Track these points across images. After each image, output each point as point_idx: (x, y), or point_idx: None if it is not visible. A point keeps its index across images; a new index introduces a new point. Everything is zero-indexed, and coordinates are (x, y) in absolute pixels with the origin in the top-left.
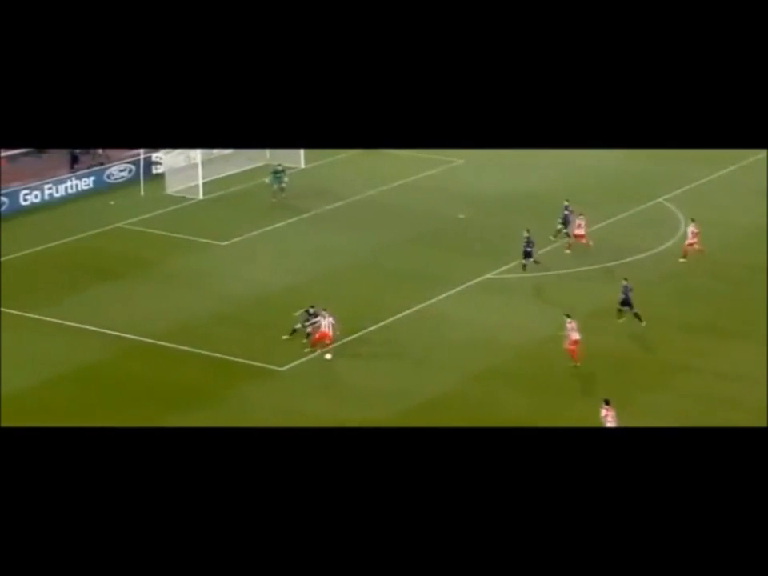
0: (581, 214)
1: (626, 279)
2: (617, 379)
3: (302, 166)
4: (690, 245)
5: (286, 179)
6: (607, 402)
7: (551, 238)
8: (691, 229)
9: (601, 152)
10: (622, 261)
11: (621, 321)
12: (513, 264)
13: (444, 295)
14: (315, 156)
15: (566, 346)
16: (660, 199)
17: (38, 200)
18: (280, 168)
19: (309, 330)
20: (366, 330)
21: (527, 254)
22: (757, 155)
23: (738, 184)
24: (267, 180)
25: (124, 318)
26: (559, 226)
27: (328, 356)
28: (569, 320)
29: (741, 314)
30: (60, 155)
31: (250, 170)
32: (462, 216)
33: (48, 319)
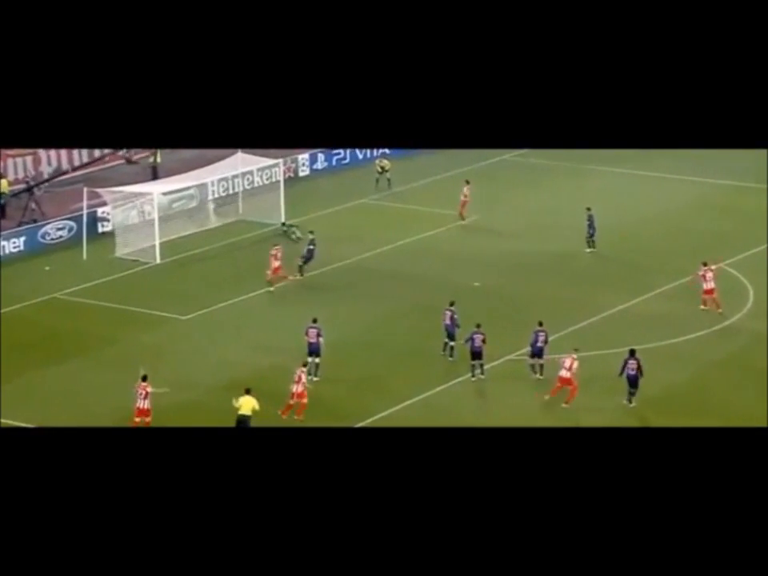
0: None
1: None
2: None
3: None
4: (709, 291)
5: (297, 233)
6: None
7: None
8: (707, 273)
9: (645, 204)
10: (681, 338)
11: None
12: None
13: (456, 381)
14: (296, 211)
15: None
16: (722, 264)
17: None
18: (288, 224)
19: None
20: (367, 421)
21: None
22: None
23: None
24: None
25: (65, 408)
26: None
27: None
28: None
29: None
30: None
31: (218, 227)
32: (477, 284)
33: None
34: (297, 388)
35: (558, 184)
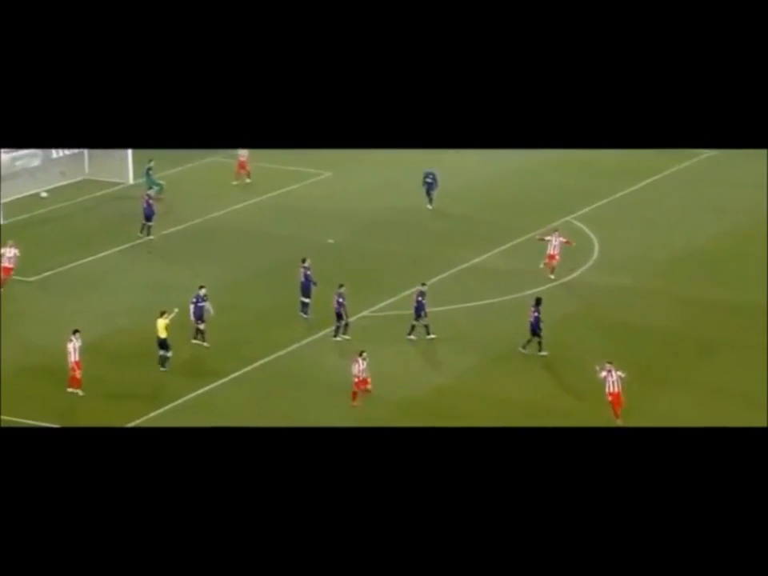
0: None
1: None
2: None
3: (131, 181)
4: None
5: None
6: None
7: None
8: (560, 239)
9: (497, 163)
10: (527, 292)
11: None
12: (394, 299)
13: (308, 340)
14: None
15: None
16: (569, 218)
17: None
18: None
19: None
20: (216, 384)
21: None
22: (680, 164)
23: (663, 198)
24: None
25: None
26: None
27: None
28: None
29: (673, 356)
30: None
31: (64, 186)
32: (331, 241)
33: None
34: (356, 372)
35: None
